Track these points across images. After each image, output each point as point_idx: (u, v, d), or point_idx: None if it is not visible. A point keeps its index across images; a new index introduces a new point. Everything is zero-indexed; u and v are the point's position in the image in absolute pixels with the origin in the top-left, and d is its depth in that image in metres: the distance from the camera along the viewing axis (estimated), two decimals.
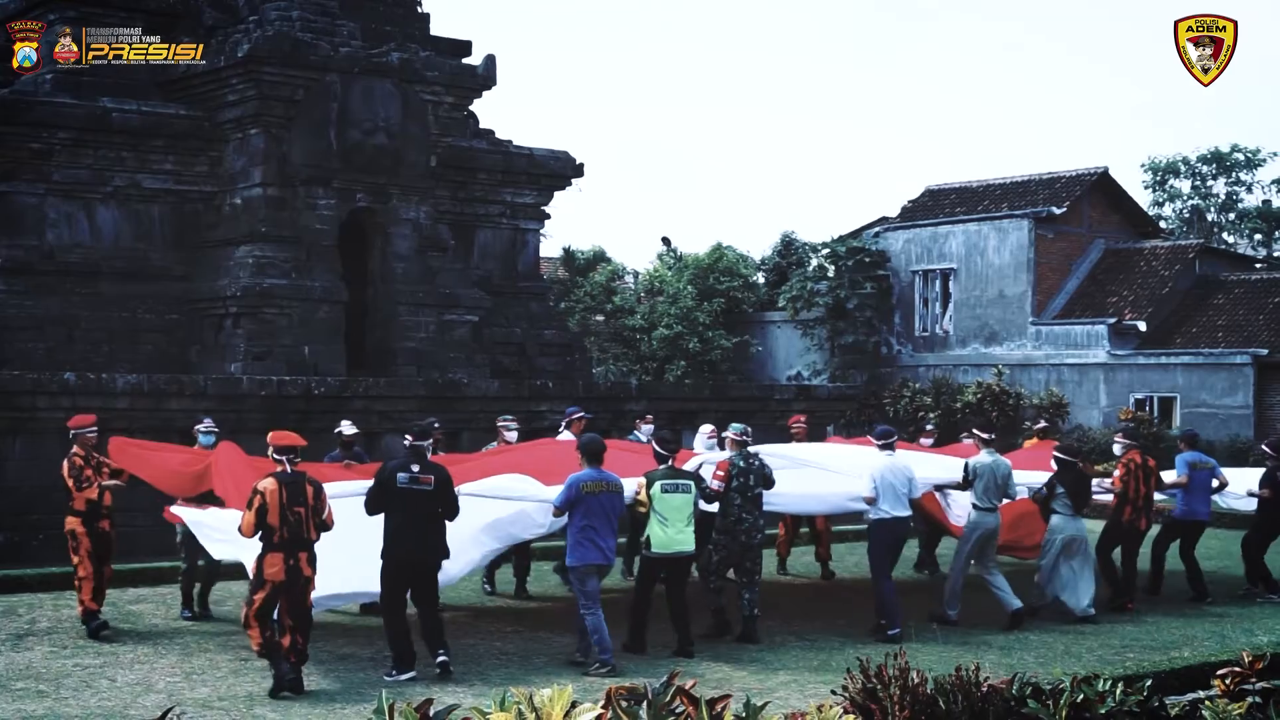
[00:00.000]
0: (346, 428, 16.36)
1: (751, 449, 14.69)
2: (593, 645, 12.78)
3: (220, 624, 14.56)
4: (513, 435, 17.46)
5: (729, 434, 14.76)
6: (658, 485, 13.40)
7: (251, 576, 12.06)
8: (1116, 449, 17.32)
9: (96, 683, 11.85)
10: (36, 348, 22.51)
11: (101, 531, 14.12)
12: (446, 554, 12.67)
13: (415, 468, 12.47)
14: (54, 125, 23.14)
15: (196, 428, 15.87)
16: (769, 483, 14.59)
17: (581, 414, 18.33)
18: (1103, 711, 7.79)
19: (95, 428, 14.40)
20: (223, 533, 13.37)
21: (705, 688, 9.70)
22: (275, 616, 11.88)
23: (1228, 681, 8.78)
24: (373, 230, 25.04)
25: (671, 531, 13.37)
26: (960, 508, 16.82)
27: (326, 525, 11.99)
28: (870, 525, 15.20)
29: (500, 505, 14.11)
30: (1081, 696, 7.83)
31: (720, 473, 14.31)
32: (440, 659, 12.13)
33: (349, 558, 12.71)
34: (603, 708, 6.05)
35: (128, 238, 24.25)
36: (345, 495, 12.80)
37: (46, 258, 23.38)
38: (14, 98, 23.08)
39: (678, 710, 6.20)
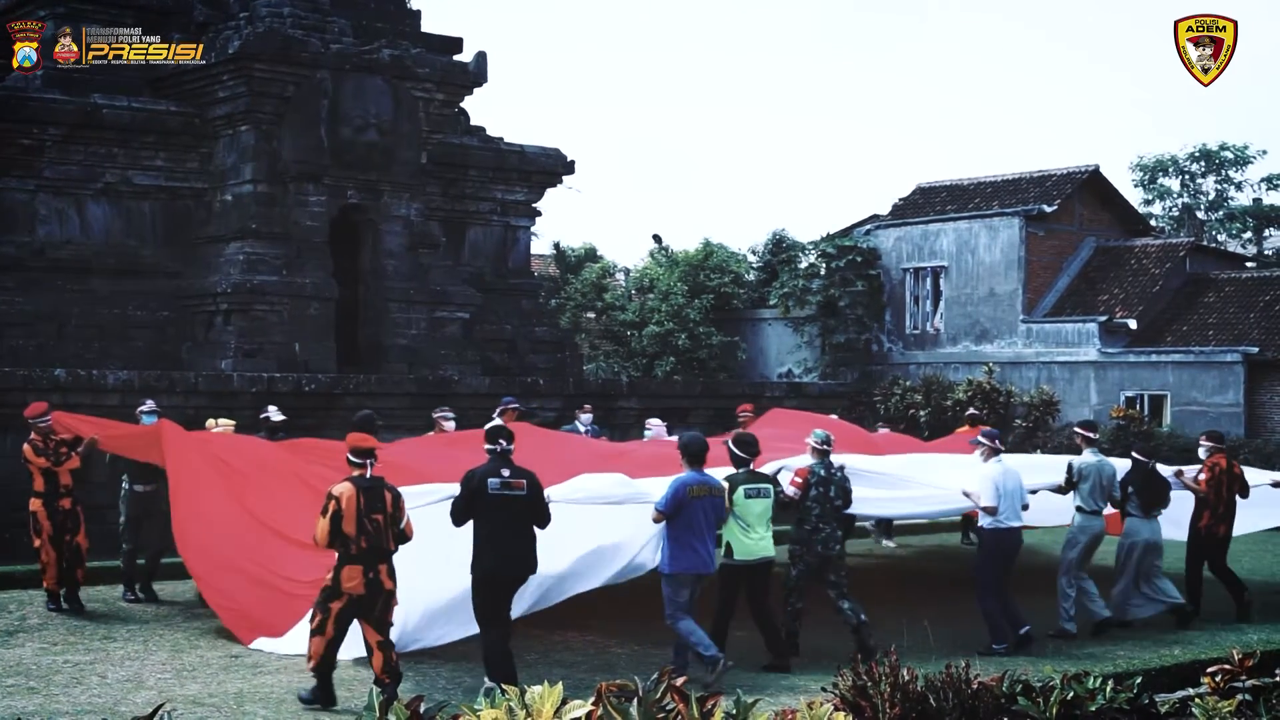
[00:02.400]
0: (274, 413, 17.13)
1: (835, 459, 14.02)
2: (693, 647, 12.19)
3: (210, 621, 14.52)
4: (450, 425, 17.86)
5: (810, 441, 14.04)
6: (740, 490, 12.73)
7: (324, 585, 11.15)
8: (1202, 452, 16.47)
9: (87, 679, 11.84)
10: (27, 344, 22.48)
11: (63, 510, 14.99)
12: (535, 567, 11.78)
13: (505, 472, 11.55)
14: (45, 121, 23.12)
15: (139, 409, 16.62)
16: (847, 497, 13.82)
17: (516, 404, 18.93)
18: (1093, 709, 7.81)
19: (49, 415, 15.19)
20: None
21: (695, 685, 9.71)
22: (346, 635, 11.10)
23: (1218, 679, 8.81)
24: (364, 227, 25.03)
25: (754, 538, 12.75)
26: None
27: (405, 536, 11.23)
28: (985, 535, 14.48)
29: (591, 525, 13.19)
30: (1072, 694, 7.84)
31: (798, 479, 13.68)
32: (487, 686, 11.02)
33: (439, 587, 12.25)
34: (593, 704, 6.05)
35: (119, 234, 24.22)
36: (418, 506, 11.97)
37: (37, 254, 23.35)
38: (5, 94, 23.05)
39: (668, 707, 6.21)
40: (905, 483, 15.72)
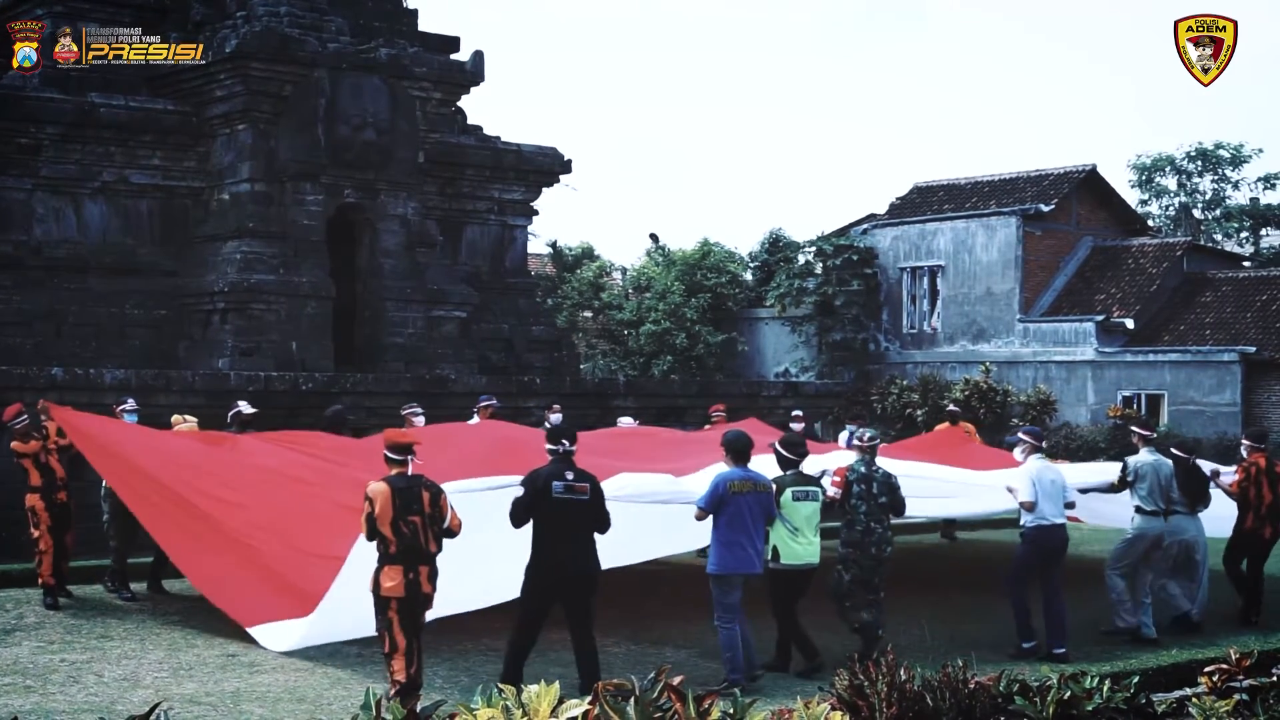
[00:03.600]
0: (245, 408, 17.26)
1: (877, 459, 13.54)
2: (724, 659, 11.98)
3: (207, 619, 14.52)
4: (419, 421, 18.03)
5: (852, 438, 13.69)
6: (788, 492, 12.43)
7: (372, 596, 10.70)
8: (1243, 451, 16.26)
9: (84, 678, 11.83)
10: (24, 343, 22.46)
11: (59, 503, 15.20)
12: (596, 573, 11.51)
13: (570, 475, 11.28)
14: (42, 120, 23.10)
15: (121, 408, 16.67)
16: (894, 492, 13.29)
17: (492, 402, 19.21)
18: (1090, 708, 7.81)
19: (25, 416, 15.30)
20: None
21: (693, 684, 9.71)
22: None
23: (1215, 679, 8.81)
24: (361, 226, 25.03)
25: (801, 542, 12.48)
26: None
27: (452, 532, 10.83)
28: (1025, 532, 14.07)
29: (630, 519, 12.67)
30: (1069, 693, 7.85)
31: (838, 479, 13.21)
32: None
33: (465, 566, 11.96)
34: (590, 704, 6.06)
35: (115, 233, 24.20)
36: (464, 491, 11.90)
37: (34, 253, 23.33)
38: (3, 93, 23.02)
39: (665, 706, 6.21)
40: (950, 484, 15.59)
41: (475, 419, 18.90)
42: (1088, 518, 18.34)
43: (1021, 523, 14.21)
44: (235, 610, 13.70)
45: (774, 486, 12.38)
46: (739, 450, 12.25)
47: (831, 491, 13.09)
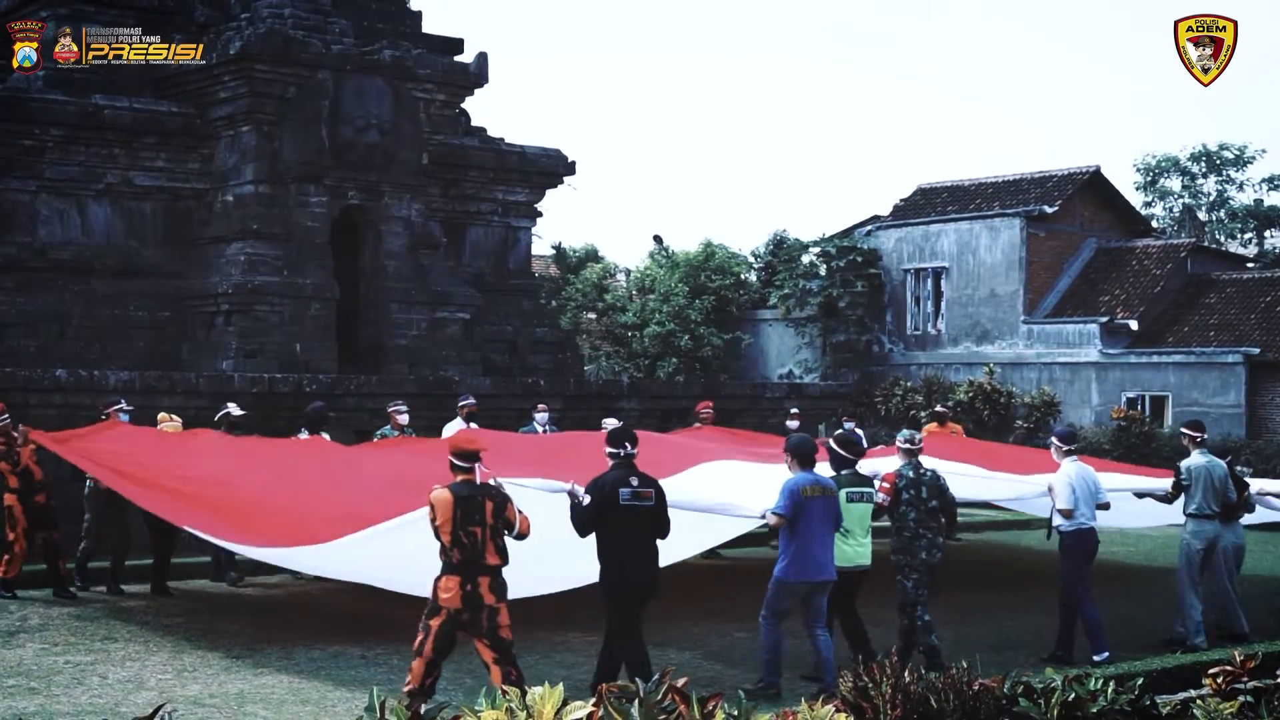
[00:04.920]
0: (234, 409, 17.50)
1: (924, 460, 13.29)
2: (762, 659, 11.90)
3: (211, 621, 14.53)
4: (404, 419, 18.44)
5: (897, 441, 13.35)
6: (843, 493, 12.14)
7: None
8: None
9: (88, 680, 11.84)
10: (28, 345, 22.47)
11: (38, 505, 15.67)
12: (658, 579, 11.34)
13: (635, 481, 11.05)
14: (46, 122, 23.10)
15: (115, 409, 16.79)
16: (943, 494, 13.05)
17: (472, 402, 19.40)
18: (1094, 710, 7.80)
19: (7, 415, 15.75)
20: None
21: (697, 686, 9.71)
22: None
23: (1219, 680, 8.79)
24: (364, 228, 25.03)
25: (853, 544, 12.26)
26: None
27: (522, 535, 10.41)
28: (1066, 538, 13.80)
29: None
30: (1073, 695, 7.83)
31: (886, 485, 12.90)
32: None
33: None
34: (594, 705, 6.05)
35: (120, 234, 24.21)
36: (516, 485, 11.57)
37: (39, 254, 23.34)
38: (6, 94, 23.03)
39: (669, 709, 6.20)
40: (992, 475, 15.47)
41: (456, 419, 19.16)
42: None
43: (1056, 526, 13.94)
44: (242, 536, 13.87)
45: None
46: (805, 454, 11.96)
47: (880, 498, 12.82)
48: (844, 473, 12.42)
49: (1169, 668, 11.78)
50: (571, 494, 11.43)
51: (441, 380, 22.66)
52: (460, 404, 19.53)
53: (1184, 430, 15.42)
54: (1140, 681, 8.54)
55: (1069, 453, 14.06)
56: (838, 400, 29.94)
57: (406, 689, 10.09)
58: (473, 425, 19.08)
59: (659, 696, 6.23)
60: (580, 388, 24.74)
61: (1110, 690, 7.99)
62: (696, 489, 13.12)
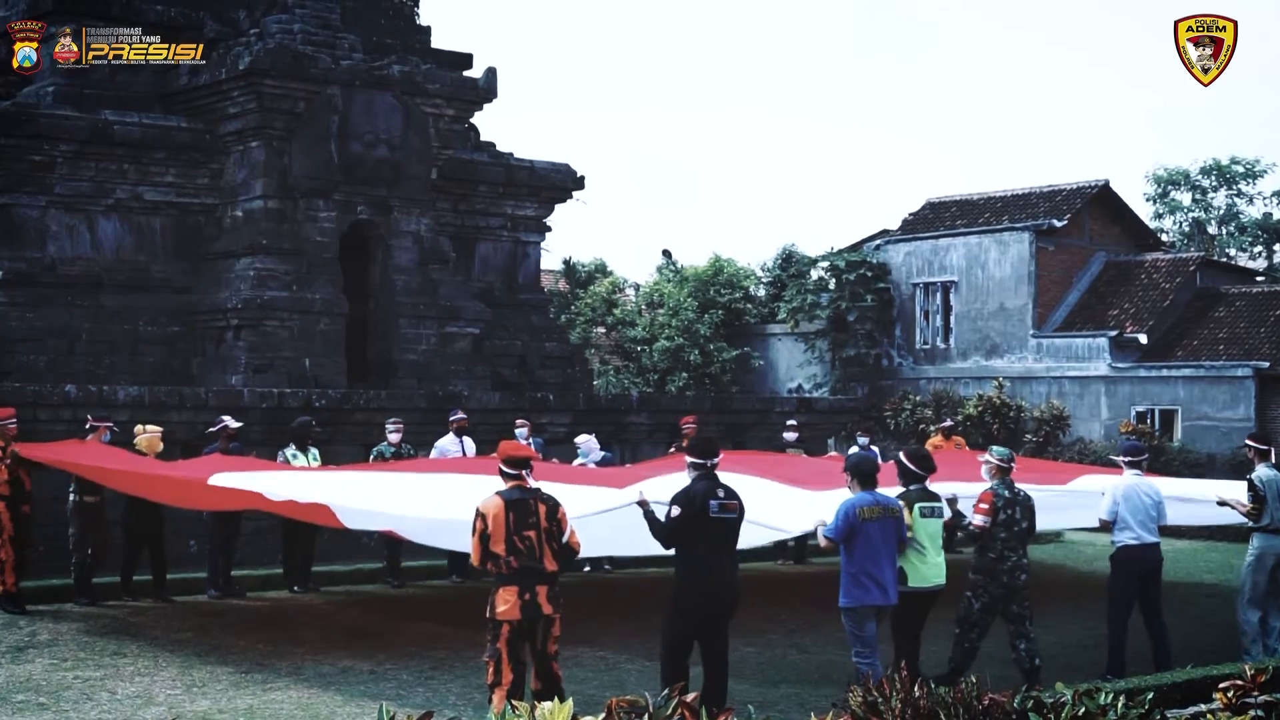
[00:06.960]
0: (230, 422, 17.62)
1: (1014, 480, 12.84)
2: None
3: (221, 637, 14.53)
4: (395, 436, 18.76)
5: (991, 459, 12.85)
6: (916, 509, 11.74)
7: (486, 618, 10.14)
8: None
9: (97, 695, 11.84)
10: (38, 360, 22.50)
11: (24, 515, 15.72)
12: (739, 591, 11.19)
13: (721, 493, 10.90)
14: (56, 137, 23.15)
15: (104, 425, 17.00)
16: (1033, 516, 12.69)
17: (462, 415, 19.68)
18: None
19: (15, 419, 15.91)
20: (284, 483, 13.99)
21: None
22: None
23: (1230, 695, 8.75)
24: (374, 242, 25.07)
25: (929, 562, 11.81)
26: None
27: (571, 550, 10.16)
28: (1114, 555, 13.45)
29: None
30: (1083, 709, 7.80)
31: (984, 505, 12.48)
32: None
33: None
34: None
35: (129, 250, 24.25)
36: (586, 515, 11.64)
37: (48, 270, 23.38)
38: (16, 110, 23.10)
39: None
40: (1053, 494, 15.20)
41: (449, 435, 19.42)
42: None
43: (1112, 542, 13.60)
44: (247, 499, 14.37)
45: (902, 505, 11.72)
46: (865, 473, 11.57)
47: (979, 520, 12.48)
48: (913, 488, 12.00)
49: (1179, 682, 11.73)
50: (642, 504, 11.40)
51: (450, 395, 22.66)
52: (450, 418, 19.69)
53: (1249, 442, 14.77)
54: (1151, 696, 8.51)
55: (1129, 465, 13.66)
56: (847, 415, 29.93)
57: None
58: (466, 440, 19.23)
59: (669, 711, 6.22)
60: (589, 402, 24.76)
61: (1121, 705, 7.96)
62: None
